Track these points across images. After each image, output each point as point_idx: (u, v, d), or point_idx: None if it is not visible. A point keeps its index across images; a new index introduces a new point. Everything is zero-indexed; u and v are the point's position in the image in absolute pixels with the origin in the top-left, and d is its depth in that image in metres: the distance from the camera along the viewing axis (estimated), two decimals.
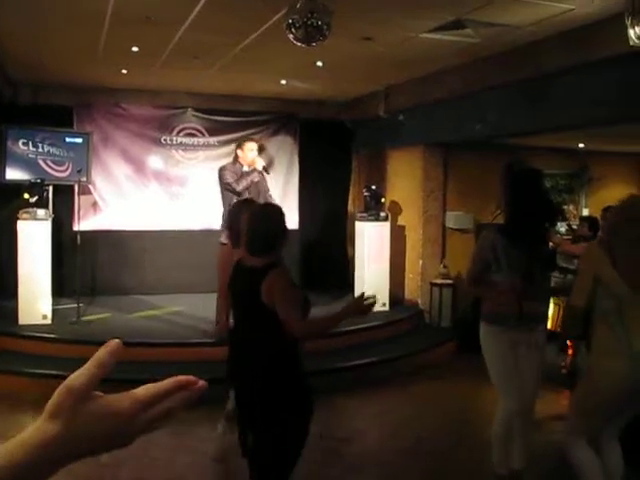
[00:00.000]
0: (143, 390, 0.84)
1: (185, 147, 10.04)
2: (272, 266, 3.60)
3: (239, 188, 7.17)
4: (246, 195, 7.03)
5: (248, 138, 7.97)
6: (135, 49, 7.06)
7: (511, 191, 4.39)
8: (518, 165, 4.86)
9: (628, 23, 4.83)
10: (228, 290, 3.99)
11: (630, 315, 3.63)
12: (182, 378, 0.85)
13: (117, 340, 0.85)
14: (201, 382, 0.86)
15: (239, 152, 7.48)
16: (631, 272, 3.64)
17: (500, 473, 4.51)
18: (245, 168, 7.35)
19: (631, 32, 4.81)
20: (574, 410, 4.04)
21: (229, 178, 7.24)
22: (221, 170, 7.40)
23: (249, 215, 3.94)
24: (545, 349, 4.58)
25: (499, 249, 4.22)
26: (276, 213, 3.87)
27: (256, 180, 7.31)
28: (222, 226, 7.19)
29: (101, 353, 0.83)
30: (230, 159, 9.81)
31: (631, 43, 4.84)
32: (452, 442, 5.78)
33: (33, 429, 0.78)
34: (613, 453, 3.94)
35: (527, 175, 4.57)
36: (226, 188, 7.23)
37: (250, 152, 7.42)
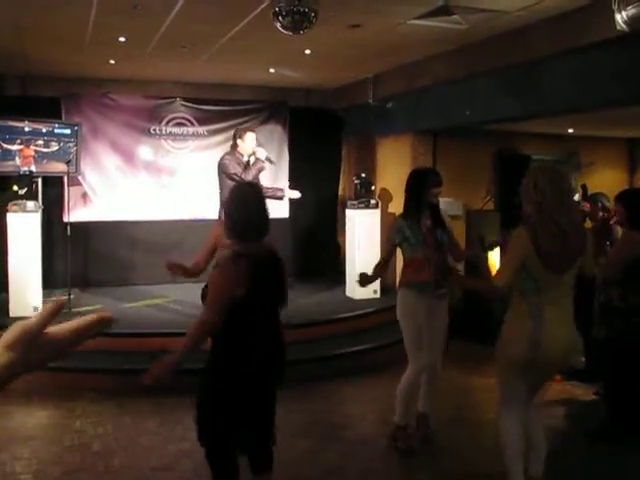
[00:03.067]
0: (74, 323, 1.13)
1: (174, 137, 10.02)
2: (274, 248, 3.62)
3: (249, 178, 7.15)
4: None
5: (247, 128, 7.91)
6: (122, 39, 7.02)
7: None
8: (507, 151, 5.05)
9: (615, 8, 4.84)
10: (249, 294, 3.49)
11: (548, 292, 3.84)
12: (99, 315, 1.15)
13: (63, 299, 1.07)
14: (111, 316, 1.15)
15: (239, 142, 7.40)
16: (553, 257, 3.80)
17: (400, 424, 5.23)
18: (245, 158, 7.33)
19: (618, 17, 4.83)
20: (496, 375, 4.32)
21: (235, 168, 7.18)
22: (223, 160, 7.32)
23: (252, 198, 3.67)
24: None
25: (406, 230, 5.04)
26: (256, 195, 3.73)
27: (263, 168, 7.32)
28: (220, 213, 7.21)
29: (50, 305, 1.11)
30: (220, 148, 9.84)
31: (618, 27, 4.86)
32: (445, 426, 5.82)
33: None
34: (534, 423, 4.25)
35: None
36: (232, 178, 7.16)
37: (250, 141, 7.37)
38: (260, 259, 3.48)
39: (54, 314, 1.11)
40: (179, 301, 8.50)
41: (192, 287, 8.04)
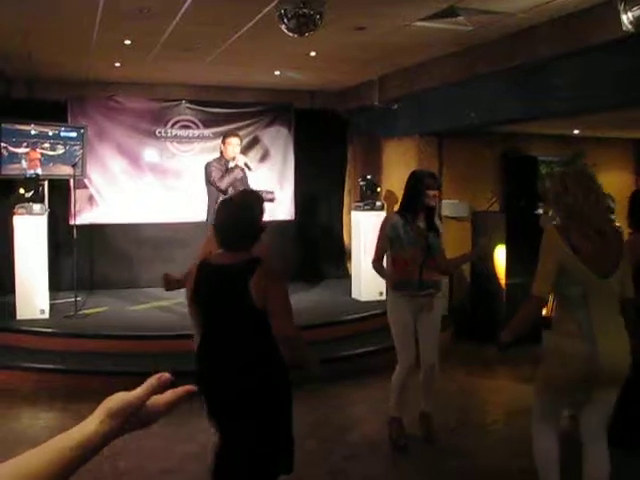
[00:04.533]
0: (167, 396, 1.18)
1: (180, 139, 10.04)
2: (257, 262, 3.40)
3: (223, 186, 7.12)
4: (230, 192, 7.01)
5: (232, 132, 7.84)
6: (128, 42, 7.04)
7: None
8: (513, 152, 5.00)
9: (620, 8, 4.84)
10: (192, 301, 3.60)
11: (595, 300, 3.62)
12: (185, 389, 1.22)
13: (168, 375, 1.18)
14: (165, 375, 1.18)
15: (222, 147, 7.42)
16: (594, 259, 3.61)
17: (393, 415, 5.41)
18: (231, 164, 7.30)
19: (624, 17, 4.82)
20: (535, 392, 4.01)
21: (214, 175, 7.17)
22: (207, 166, 7.32)
23: (223, 206, 3.60)
24: (441, 312, 5.54)
25: (399, 228, 5.20)
26: (256, 200, 3.68)
27: (239, 177, 7.23)
28: (208, 220, 7.20)
29: (153, 380, 1.17)
30: None
31: (624, 28, 4.85)
32: (449, 428, 5.82)
33: (95, 422, 1.17)
34: (593, 455, 3.82)
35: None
36: (212, 184, 7.19)
37: (230, 147, 7.32)
38: (212, 266, 3.48)
39: (157, 389, 1.17)
40: (185, 303, 8.50)
41: None
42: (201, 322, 3.59)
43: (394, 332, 5.35)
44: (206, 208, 7.38)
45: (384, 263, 5.44)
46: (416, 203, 5.24)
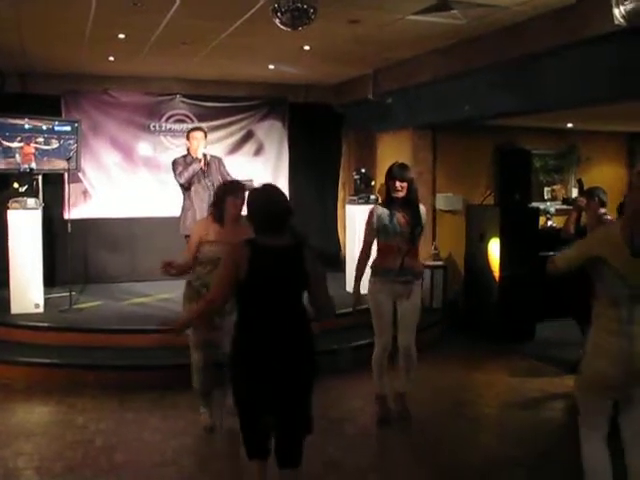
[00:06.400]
0: None
1: (174, 133, 10.02)
2: (304, 242, 3.80)
3: (182, 180, 7.06)
4: (195, 186, 7.05)
5: (196, 127, 7.74)
6: (122, 36, 7.03)
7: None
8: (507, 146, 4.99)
9: (613, 2, 4.86)
10: (250, 278, 3.63)
11: (639, 301, 3.52)
12: None
13: None
14: None
15: (186, 142, 7.35)
16: None
17: (378, 393, 5.75)
18: (200, 157, 7.20)
19: (616, 11, 4.85)
20: (578, 388, 3.85)
21: (176, 170, 7.11)
22: (173, 162, 7.26)
23: (260, 195, 3.84)
24: (420, 298, 5.79)
25: (385, 218, 5.45)
26: (281, 190, 3.95)
27: (197, 170, 7.07)
28: (183, 216, 7.20)
29: None
30: (220, 145, 9.86)
31: (616, 22, 4.88)
32: (444, 419, 5.87)
33: None
34: (634, 456, 3.67)
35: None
36: (176, 180, 7.18)
37: (195, 141, 7.21)
38: (265, 247, 3.64)
39: None
40: (181, 297, 8.50)
41: None
42: (247, 297, 3.68)
43: (373, 315, 5.61)
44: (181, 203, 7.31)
45: (368, 258, 5.69)
46: (388, 193, 5.53)
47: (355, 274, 5.64)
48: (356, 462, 4.99)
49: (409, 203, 5.50)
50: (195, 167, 7.04)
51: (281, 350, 3.62)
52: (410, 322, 5.62)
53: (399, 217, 5.45)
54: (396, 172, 5.47)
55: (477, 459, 5.08)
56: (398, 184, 5.42)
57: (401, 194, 5.43)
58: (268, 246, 3.66)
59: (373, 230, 5.55)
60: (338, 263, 10.27)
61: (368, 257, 5.65)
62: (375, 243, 5.63)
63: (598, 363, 3.60)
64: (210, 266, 5.07)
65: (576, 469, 3.83)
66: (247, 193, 3.96)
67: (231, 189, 5.22)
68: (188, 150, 7.29)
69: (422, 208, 5.60)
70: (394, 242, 5.45)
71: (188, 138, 7.30)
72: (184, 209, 7.20)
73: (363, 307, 5.70)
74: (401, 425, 5.67)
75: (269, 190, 3.90)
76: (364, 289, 5.66)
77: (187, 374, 5.54)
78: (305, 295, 3.79)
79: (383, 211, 5.50)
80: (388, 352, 5.65)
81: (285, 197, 3.85)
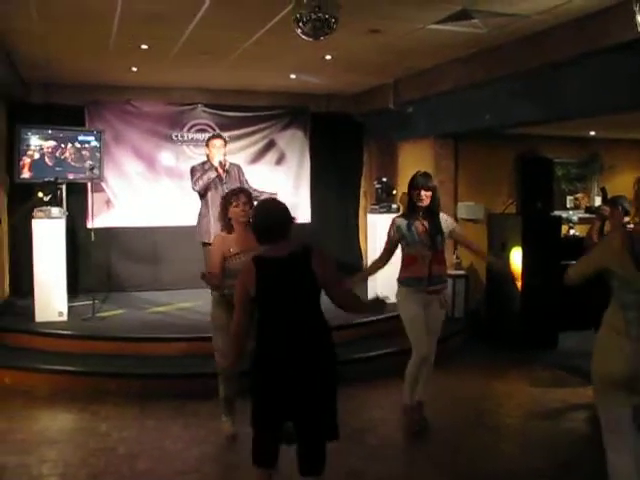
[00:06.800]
0: None
1: (196, 143, 10.07)
2: (309, 247, 3.78)
3: (197, 188, 7.07)
4: (210, 195, 7.04)
5: (215, 134, 7.79)
6: (145, 47, 7.10)
7: None
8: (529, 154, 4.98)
9: (636, 9, 4.84)
10: (249, 297, 3.74)
11: None
12: None
13: None
14: None
15: (206, 149, 7.35)
16: None
17: (407, 404, 5.68)
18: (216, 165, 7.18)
19: (639, 18, 4.82)
20: (594, 390, 3.83)
21: (193, 178, 7.13)
22: (190, 170, 7.27)
23: (263, 207, 3.98)
24: (447, 306, 5.93)
25: (403, 229, 5.52)
26: (280, 201, 4.01)
27: (213, 177, 7.06)
28: (199, 223, 7.22)
29: None
30: (242, 154, 9.90)
31: (639, 29, 4.84)
32: (466, 429, 5.82)
33: None
34: None
35: None
36: (192, 187, 7.20)
37: (214, 149, 7.19)
38: (269, 260, 3.73)
39: None
40: (203, 306, 8.54)
41: None
42: (261, 309, 3.76)
43: (407, 325, 5.57)
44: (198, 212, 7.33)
45: (385, 262, 5.80)
46: (412, 203, 5.55)
47: (368, 267, 5.85)
48: (377, 472, 4.97)
49: (430, 212, 5.53)
50: (211, 175, 7.05)
51: (297, 357, 3.65)
52: (436, 330, 5.66)
53: (417, 226, 5.49)
54: (421, 181, 5.49)
55: (497, 469, 5.05)
56: (423, 193, 5.45)
57: (425, 203, 5.46)
58: (271, 258, 3.74)
59: (391, 242, 5.64)
60: (360, 272, 10.27)
61: (384, 261, 5.75)
62: (401, 256, 5.67)
63: (608, 364, 3.62)
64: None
65: None
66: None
67: (229, 197, 5.27)
68: (208, 157, 7.29)
69: (443, 216, 5.64)
70: (415, 251, 5.49)
71: (207, 145, 7.31)
72: (200, 216, 7.23)
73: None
74: (422, 435, 5.65)
75: (267, 202, 4.09)
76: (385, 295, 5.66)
77: (208, 383, 5.56)
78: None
79: (402, 222, 5.58)
80: (425, 360, 5.57)
81: (283, 209, 3.88)
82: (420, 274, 5.48)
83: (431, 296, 5.54)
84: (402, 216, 5.68)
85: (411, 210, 5.57)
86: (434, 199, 5.52)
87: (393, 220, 5.68)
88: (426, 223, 5.50)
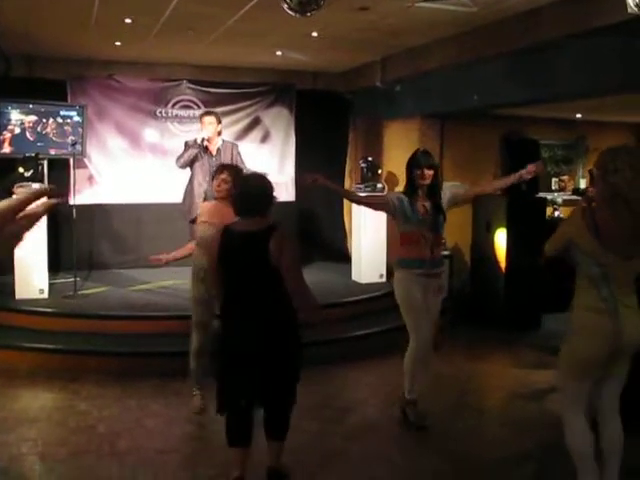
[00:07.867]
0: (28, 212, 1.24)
1: (181, 119, 9.98)
2: (274, 227, 3.87)
3: (177, 164, 7.18)
4: (195, 171, 7.21)
5: (206, 111, 7.83)
6: (128, 20, 6.98)
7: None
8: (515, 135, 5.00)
9: None
10: (217, 264, 4.00)
11: (616, 278, 3.69)
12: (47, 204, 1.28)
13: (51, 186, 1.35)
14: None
15: (199, 126, 7.40)
16: (619, 241, 3.65)
17: (410, 399, 5.40)
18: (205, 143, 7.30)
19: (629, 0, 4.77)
20: (560, 371, 3.98)
21: (181, 152, 7.22)
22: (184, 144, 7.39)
23: (244, 181, 4.21)
24: (444, 290, 5.77)
25: (405, 203, 5.28)
26: (265, 178, 4.13)
27: (193, 154, 7.18)
28: (183, 199, 7.34)
29: (27, 195, 1.24)
30: (227, 131, 9.79)
31: (629, 10, 4.80)
32: (448, 410, 5.84)
33: None
34: (611, 425, 3.87)
35: None
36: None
37: (208, 125, 7.29)
38: (234, 232, 3.90)
39: (36, 198, 1.24)
40: (185, 284, 8.49)
41: None
42: (224, 282, 3.97)
43: (406, 310, 5.32)
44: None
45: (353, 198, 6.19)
46: (412, 181, 5.31)
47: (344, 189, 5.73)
48: (361, 451, 4.97)
49: (432, 192, 5.31)
50: (191, 152, 7.07)
51: (252, 334, 3.84)
52: (435, 315, 5.47)
53: (419, 207, 5.24)
54: (423, 160, 5.27)
55: (482, 449, 5.07)
56: (426, 172, 5.22)
57: (427, 182, 5.25)
58: (237, 231, 3.89)
59: (385, 203, 5.46)
60: (344, 252, 10.25)
61: (355, 198, 6.13)
62: (398, 234, 5.44)
63: (585, 343, 3.73)
64: (204, 248, 5.03)
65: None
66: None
67: (215, 171, 5.44)
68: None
69: (445, 187, 5.49)
70: (414, 230, 5.23)
71: (200, 121, 7.41)
72: (185, 192, 7.30)
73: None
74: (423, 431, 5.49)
75: (251, 177, 4.27)
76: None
77: (190, 362, 5.53)
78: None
79: (404, 197, 5.31)
80: (427, 349, 5.36)
81: (264, 185, 3.99)
82: (422, 256, 5.23)
83: (430, 279, 5.30)
84: (403, 193, 5.41)
85: (411, 189, 5.32)
86: (436, 178, 5.33)
87: (392, 192, 5.53)
88: (427, 204, 5.27)
